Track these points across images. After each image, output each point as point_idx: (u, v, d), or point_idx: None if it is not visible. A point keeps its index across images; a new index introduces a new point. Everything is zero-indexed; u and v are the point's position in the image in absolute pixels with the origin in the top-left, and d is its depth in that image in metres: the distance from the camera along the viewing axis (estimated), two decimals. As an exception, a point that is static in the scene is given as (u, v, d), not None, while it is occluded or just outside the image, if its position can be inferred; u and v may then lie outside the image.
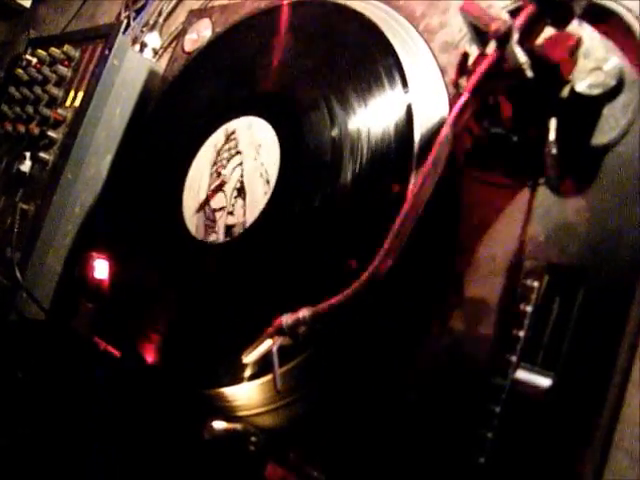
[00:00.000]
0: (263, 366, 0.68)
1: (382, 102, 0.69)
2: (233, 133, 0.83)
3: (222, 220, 0.83)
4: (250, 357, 0.67)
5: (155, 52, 1.36)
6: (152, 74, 1.25)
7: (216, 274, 0.79)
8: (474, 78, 0.55)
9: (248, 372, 0.70)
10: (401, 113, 0.67)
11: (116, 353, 0.90)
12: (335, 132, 0.72)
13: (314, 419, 0.66)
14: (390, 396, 0.60)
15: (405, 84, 0.68)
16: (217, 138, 0.88)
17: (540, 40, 0.55)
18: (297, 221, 0.71)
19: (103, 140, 1.20)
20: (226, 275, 0.79)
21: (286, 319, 0.61)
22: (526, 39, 0.54)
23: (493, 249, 0.60)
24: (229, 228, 0.81)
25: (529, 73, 0.52)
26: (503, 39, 0.53)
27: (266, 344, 0.64)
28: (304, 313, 0.60)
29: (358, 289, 0.57)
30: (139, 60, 1.25)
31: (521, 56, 0.52)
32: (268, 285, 0.71)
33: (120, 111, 1.22)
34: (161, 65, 1.28)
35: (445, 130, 0.57)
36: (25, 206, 1.18)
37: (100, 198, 1.18)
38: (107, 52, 1.20)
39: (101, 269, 0.98)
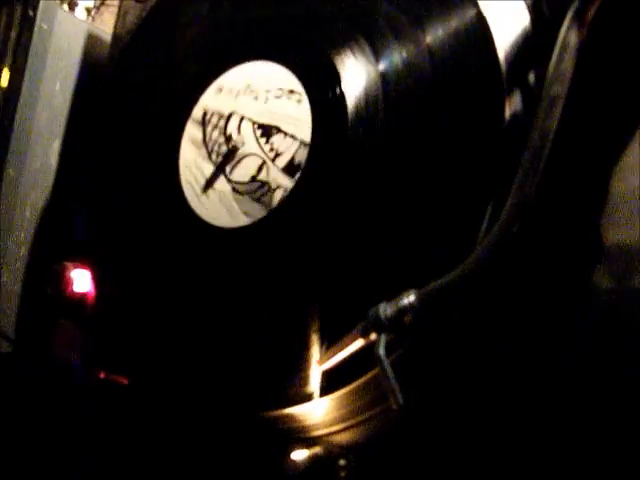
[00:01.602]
0: (339, 374, 0.53)
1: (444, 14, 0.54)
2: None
3: (274, 172, 0.63)
4: (329, 363, 0.52)
5: (89, 11, 1.12)
6: (92, 39, 1.03)
7: (255, 258, 0.62)
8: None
9: (318, 384, 0.55)
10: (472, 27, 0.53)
11: (123, 381, 0.72)
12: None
13: (419, 429, 0.53)
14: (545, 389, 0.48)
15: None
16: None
17: None
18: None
19: (45, 124, 0.98)
20: (272, 255, 0.61)
21: (385, 309, 0.46)
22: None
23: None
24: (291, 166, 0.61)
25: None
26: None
27: (355, 344, 0.49)
28: (409, 298, 0.46)
29: (491, 248, 0.43)
30: (73, 22, 1.02)
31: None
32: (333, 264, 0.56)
33: (60, 86, 1.00)
34: (100, 26, 1.06)
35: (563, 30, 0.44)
36: (-40, 217, 0.95)
37: (55, 194, 0.97)
38: (31, 13, 0.96)
39: (81, 281, 0.78)
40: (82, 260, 0.81)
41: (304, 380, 0.55)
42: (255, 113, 0.64)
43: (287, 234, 0.59)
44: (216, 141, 0.66)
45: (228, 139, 0.65)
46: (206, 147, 0.67)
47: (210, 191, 0.66)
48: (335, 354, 0.51)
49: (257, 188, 0.62)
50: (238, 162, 0.64)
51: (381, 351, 0.45)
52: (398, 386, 0.43)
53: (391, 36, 0.56)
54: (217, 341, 0.61)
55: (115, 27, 0.90)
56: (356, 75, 0.57)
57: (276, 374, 0.57)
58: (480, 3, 0.52)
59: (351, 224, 0.55)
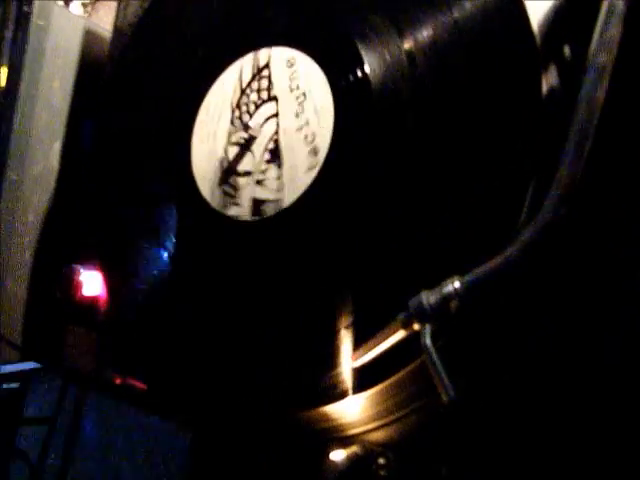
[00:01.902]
0: (372, 370, 0.51)
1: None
2: (266, 67, 0.62)
3: (248, 191, 0.63)
4: (364, 358, 0.50)
5: (84, 6, 1.09)
6: (89, 34, 1.00)
7: (255, 259, 0.60)
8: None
9: (352, 381, 0.52)
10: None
11: (141, 386, 0.69)
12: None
13: (460, 423, 0.50)
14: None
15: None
16: (240, 69, 0.66)
17: None
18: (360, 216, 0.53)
19: (45, 124, 0.95)
20: (273, 260, 0.60)
21: (428, 297, 0.44)
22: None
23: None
24: (258, 203, 0.62)
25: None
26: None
27: (395, 337, 0.46)
28: (454, 284, 0.43)
29: (539, 232, 0.40)
30: (70, 18, 0.99)
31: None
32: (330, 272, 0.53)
33: (60, 84, 0.97)
34: (96, 22, 1.03)
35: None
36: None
37: (58, 197, 0.94)
38: (27, 9, 0.93)
39: (92, 284, 0.75)
40: (92, 262, 0.78)
41: (337, 377, 0.53)
42: (286, 125, 0.60)
43: (315, 224, 0.56)
44: (247, 103, 0.64)
45: (246, 127, 0.62)
46: (240, 95, 0.64)
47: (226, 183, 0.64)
48: (371, 349, 0.48)
49: (232, 189, 0.61)
50: (245, 150, 0.62)
51: (428, 341, 0.42)
52: (448, 377, 0.41)
53: (415, 12, 0.53)
54: (245, 339, 0.59)
55: (116, 20, 0.87)
56: (379, 56, 0.54)
57: (308, 372, 0.54)
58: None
59: (381, 212, 0.53)
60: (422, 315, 0.43)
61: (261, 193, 0.62)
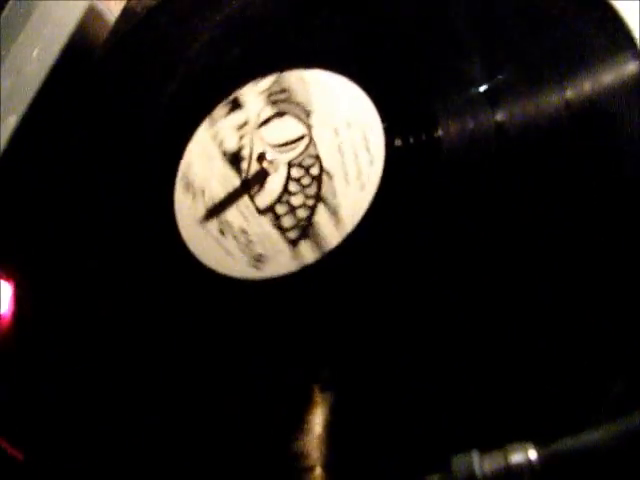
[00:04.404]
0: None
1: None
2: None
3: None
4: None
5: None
6: (92, 13, 0.86)
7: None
8: None
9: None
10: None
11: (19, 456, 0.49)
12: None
13: None
14: None
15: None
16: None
17: None
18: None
19: (7, 92, 0.78)
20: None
21: (482, 462, 0.30)
22: None
23: None
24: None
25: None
26: None
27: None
28: (528, 454, 0.29)
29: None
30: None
31: None
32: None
33: (39, 54, 0.81)
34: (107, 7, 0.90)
35: None
36: None
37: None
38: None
39: (-2, 297, 0.57)
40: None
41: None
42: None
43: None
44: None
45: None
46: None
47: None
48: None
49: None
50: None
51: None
52: None
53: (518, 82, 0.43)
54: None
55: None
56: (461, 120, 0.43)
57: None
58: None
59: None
60: (469, 487, 0.29)
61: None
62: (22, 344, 0.54)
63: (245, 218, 0.48)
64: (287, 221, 0.47)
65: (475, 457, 0.30)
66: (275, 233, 0.46)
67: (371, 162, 0.46)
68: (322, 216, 0.45)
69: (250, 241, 0.47)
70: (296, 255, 0.45)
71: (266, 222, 0.47)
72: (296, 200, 0.47)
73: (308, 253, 0.44)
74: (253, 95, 0.53)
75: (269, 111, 0.52)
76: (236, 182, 0.50)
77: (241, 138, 0.52)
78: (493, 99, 0.44)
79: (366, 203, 0.45)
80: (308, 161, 0.48)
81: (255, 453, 0.40)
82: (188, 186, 0.52)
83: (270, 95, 0.52)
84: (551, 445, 0.29)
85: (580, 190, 0.39)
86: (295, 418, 0.39)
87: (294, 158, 0.49)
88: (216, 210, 0.49)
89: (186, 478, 0.41)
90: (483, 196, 0.42)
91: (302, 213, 0.46)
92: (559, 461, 0.29)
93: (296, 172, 0.48)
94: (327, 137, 0.48)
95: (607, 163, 0.40)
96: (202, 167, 0.53)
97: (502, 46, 0.48)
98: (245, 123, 0.52)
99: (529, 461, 0.29)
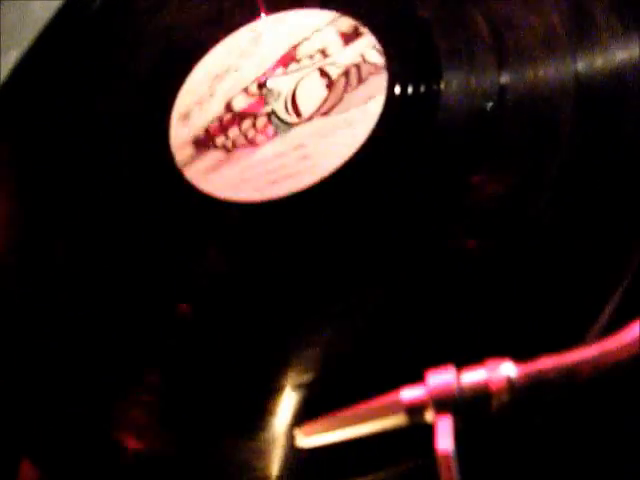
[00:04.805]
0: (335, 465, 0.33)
1: None
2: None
3: None
4: (322, 438, 0.32)
5: None
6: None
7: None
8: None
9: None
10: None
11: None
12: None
13: None
14: None
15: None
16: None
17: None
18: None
19: (9, 25, 0.77)
20: None
21: (460, 378, 0.27)
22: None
23: None
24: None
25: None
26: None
27: (384, 423, 0.29)
28: (507, 370, 0.27)
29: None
30: None
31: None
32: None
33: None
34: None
35: None
36: None
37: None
38: None
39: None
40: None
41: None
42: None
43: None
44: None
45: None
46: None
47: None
48: (337, 427, 0.31)
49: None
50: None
51: (448, 444, 0.25)
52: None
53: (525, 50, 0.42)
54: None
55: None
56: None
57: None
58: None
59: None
60: (445, 402, 0.27)
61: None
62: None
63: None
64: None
65: (451, 372, 0.28)
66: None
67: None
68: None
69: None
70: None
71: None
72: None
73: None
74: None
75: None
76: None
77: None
78: (500, 60, 0.43)
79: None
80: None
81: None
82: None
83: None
84: (532, 362, 0.27)
85: (578, 155, 0.38)
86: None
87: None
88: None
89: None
90: (477, 153, 0.41)
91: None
92: (540, 379, 0.27)
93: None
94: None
95: (609, 130, 0.39)
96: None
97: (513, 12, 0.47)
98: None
99: (509, 378, 0.27)
